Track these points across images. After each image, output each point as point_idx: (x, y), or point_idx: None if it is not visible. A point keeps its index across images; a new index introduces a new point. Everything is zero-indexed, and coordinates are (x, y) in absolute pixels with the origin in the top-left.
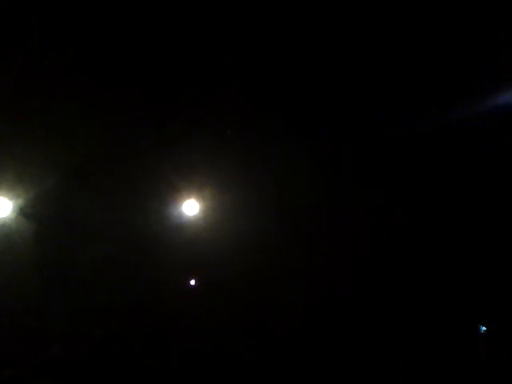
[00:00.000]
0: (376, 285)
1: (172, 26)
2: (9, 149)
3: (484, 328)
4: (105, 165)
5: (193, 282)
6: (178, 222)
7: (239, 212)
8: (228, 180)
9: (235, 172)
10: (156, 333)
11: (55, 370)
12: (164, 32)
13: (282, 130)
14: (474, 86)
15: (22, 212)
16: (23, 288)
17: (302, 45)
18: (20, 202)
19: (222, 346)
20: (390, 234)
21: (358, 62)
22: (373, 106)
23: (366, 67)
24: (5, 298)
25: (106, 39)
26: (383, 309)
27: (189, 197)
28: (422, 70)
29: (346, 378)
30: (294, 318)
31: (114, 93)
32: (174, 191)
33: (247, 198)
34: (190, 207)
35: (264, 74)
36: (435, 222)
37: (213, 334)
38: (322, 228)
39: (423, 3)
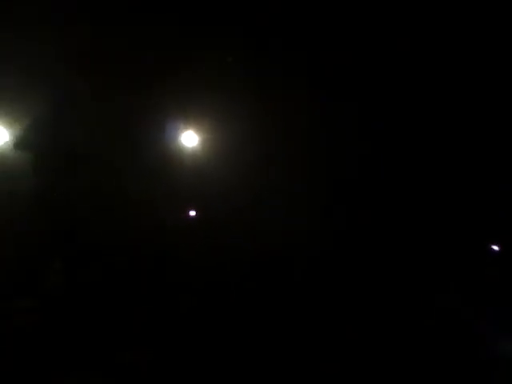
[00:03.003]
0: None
1: None
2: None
3: None
4: (103, 95)
5: (192, 214)
6: (176, 153)
7: (239, 144)
8: (228, 111)
9: (236, 103)
10: (156, 266)
11: (55, 303)
12: None
13: (286, 58)
14: None
15: (19, 140)
16: (21, 219)
17: None
18: (17, 130)
19: (222, 279)
20: None
21: None
22: None
23: None
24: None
25: None
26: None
27: (187, 128)
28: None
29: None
30: (291, 250)
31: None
32: (173, 122)
33: (248, 130)
34: (189, 139)
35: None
36: None
37: (212, 267)
38: (325, 162)
39: None
